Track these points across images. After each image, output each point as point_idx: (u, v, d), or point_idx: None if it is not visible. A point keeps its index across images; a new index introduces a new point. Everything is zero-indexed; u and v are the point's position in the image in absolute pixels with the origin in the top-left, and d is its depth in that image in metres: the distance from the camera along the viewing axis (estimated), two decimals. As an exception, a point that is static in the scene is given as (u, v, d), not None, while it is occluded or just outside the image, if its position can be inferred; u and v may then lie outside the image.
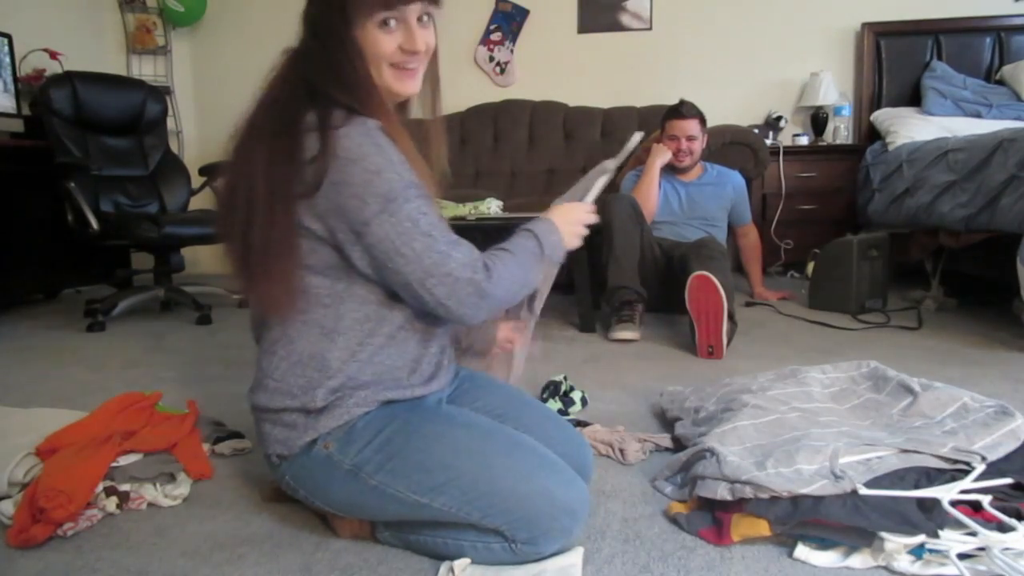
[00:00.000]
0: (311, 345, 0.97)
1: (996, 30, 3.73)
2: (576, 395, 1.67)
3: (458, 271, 0.92)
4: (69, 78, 3.07)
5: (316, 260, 0.95)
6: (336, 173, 0.89)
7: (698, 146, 2.82)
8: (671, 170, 2.87)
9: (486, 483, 0.93)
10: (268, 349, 1.01)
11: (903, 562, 0.94)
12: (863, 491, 0.98)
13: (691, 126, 2.79)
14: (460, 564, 0.95)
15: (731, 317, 2.20)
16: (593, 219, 1.17)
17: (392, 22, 0.94)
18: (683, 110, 2.80)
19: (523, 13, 4.27)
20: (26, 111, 3.39)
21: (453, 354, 1.16)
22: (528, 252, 1.03)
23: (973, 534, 0.94)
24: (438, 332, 1.06)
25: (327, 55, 0.94)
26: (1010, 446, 1.10)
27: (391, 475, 0.94)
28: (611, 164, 1.28)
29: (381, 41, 0.95)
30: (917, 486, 1.02)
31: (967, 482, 1.01)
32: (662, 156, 2.79)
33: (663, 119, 2.86)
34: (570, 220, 1.13)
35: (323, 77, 0.94)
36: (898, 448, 1.08)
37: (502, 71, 4.35)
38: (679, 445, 1.39)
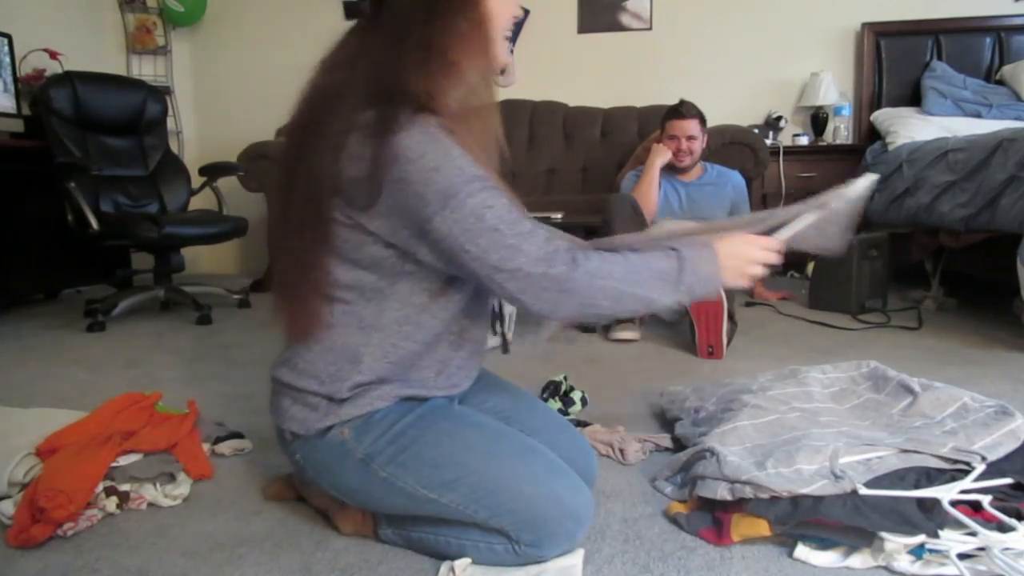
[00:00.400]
0: (347, 336, 0.96)
1: (996, 30, 3.73)
2: (576, 395, 1.67)
3: (528, 266, 0.87)
4: (69, 78, 3.07)
5: (364, 255, 0.93)
6: (396, 171, 0.86)
7: (698, 146, 2.82)
8: (671, 170, 2.87)
9: (495, 482, 0.93)
10: None
11: (903, 562, 0.94)
12: (863, 491, 0.98)
13: (691, 126, 2.79)
14: (461, 564, 0.95)
15: (731, 317, 2.20)
16: (777, 259, 1.01)
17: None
18: (683, 110, 2.80)
19: (525, 13, 4.27)
20: (26, 111, 3.39)
21: (481, 359, 1.14)
22: (653, 269, 0.93)
23: (973, 534, 0.94)
24: (471, 338, 1.05)
25: (441, 28, 0.88)
26: (1010, 446, 1.10)
27: (402, 468, 0.95)
28: (834, 202, 1.04)
29: (508, 8, 0.94)
30: (917, 486, 1.02)
31: (967, 482, 1.01)
32: (662, 156, 2.79)
33: (663, 119, 2.86)
34: (742, 255, 0.99)
35: (410, 63, 0.88)
36: (898, 448, 1.08)
37: (502, 71, 4.34)
38: (679, 445, 1.39)
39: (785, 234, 1.02)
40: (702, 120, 2.85)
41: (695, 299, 0.97)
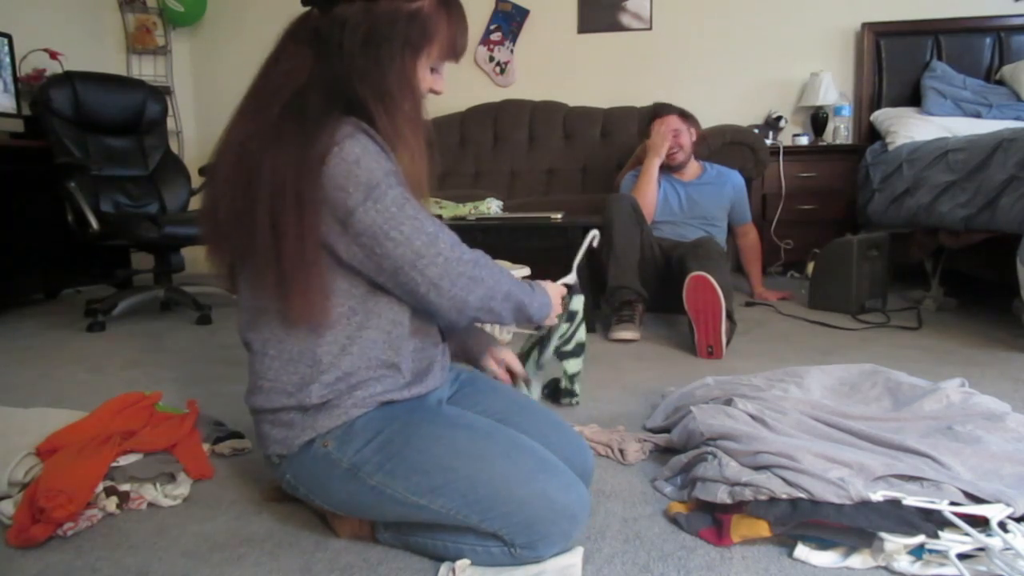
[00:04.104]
0: (300, 342, 0.97)
1: (996, 30, 3.73)
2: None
3: (448, 251, 0.94)
4: (69, 78, 3.07)
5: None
6: (324, 171, 0.89)
7: (685, 140, 2.83)
8: (670, 170, 2.88)
9: (484, 485, 0.93)
10: (259, 351, 1.00)
11: (903, 562, 0.94)
12: (867, 496, 0.98)
13: (672, 121, 2.81)
14: (460, 564, 0.95)
15: (730, 317, 2.20)
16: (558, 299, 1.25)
17: (439, 68, 1.04)
18: (659, 109, 2.84)
19: (523, 13, 4.27)
20: (26, 111, 3.39)
21: (449, 352, 1.17)
22: (515, 282, 1.06)
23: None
24: (432, 327, 1.07)
25: (380, 75, 0.96)
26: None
27: (390, 475, 0.94)
28: (571, 278, 1.39)
29: (425, 80, 1.02)
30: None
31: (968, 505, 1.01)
32: (658, 153, 2.79)
33: (646, 126, 2.89)
34: (555, 294, 1.22)
35: (368, 87, 0.95)
36: (923, 478, 1.05)
37: (502, 71, 4.35)
38: (678, 446, 1.39)
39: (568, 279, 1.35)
40: (684, 116, 2.86)
41: (530, 317, 1.11)
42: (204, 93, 4.51)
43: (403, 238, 0.92)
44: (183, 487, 1.23)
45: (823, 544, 0.98)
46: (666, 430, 1.43)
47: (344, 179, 0.89)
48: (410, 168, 1.00)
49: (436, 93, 1.05)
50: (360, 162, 0.90)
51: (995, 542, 0.91)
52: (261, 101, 0.97)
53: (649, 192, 2.76)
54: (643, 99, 3.96)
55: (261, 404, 1.00)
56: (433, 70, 1.03)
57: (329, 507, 1.02)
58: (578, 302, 1.49)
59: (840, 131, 3.90)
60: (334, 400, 0.97)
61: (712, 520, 1.05)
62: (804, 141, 3.90)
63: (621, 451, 1.35)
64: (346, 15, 0.95)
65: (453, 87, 4.66)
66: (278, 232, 0.89)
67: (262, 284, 0.95)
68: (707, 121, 3.55)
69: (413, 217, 0.93)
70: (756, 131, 3.58)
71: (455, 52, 1.03)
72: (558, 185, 3.90)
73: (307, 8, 1.01)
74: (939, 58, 3.78)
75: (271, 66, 1.00)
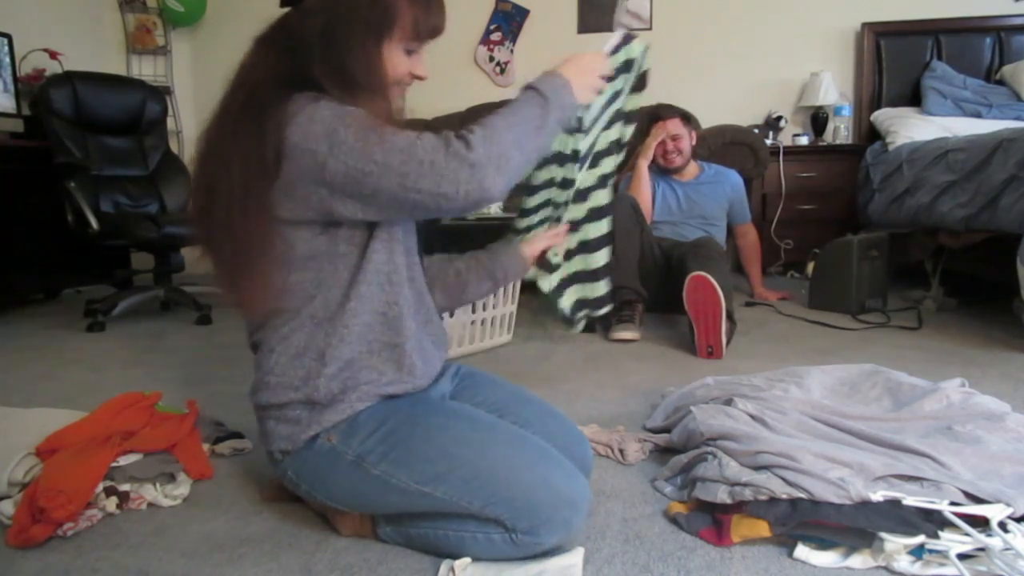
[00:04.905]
0: (306, 336, 0.98)
1: (996, 30, 3.73)
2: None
3: (431, 155, 0.87)
4: (69, 78, 3.07)
5: (297, 253, 0.96)
6: (286, 143, 0.89)
7: (685, 144, 2.82)
8: (668, 171, 2.88)
9: (488, 471, 0.94)
10: (266, 348, 1.01)
11: (903, 562, 0.94)
12: (867, 495, 0.98)
13: (673, 125, 2.81)
14: (461, 564, 0.95)
15: (730, 317, 2.20)
16: (606, 70, 1.09)
17: (415, 49, 1.00)
18: (661, 111, 2.83)
19: (523, 13, 4.27)
20: (26, 111, 3.39)
21: (446, 344, 1.17)
22: (523, 105, 0.96)
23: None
24: (426, 312, 1.08)
25: (338, 60, 0.94)
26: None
27: (394, 465, 0.95)
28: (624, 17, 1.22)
29: (400, 64, 0.99)
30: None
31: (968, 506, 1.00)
32: (645, 155, 2.80)
33: (647, 126, 2.88)
34: (586, 71, 1.05)
35: (326, 71, 0.94)
36: (923, 478, 1.05)
37: (502, 71, 4.35)
38: (678, 446, 1.39)
39: (607, 47, 1.15)
40: (684, 118, 2.85)
41: (560, 120, 1.00)
42: (204, 93, 4.51)
43: (378, 167, 0.87)
44: (183, 487, 1.23)
45: (823, 544, 0.98)
46: (666, 430, 1.43)
47: (304, 139, 0.88)
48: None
49: (419, 78, 1.02)
50: (313, 117, 0.89)
51: (995, 542, 0.91)
52: (223, 104, 0.99)
53: (642, 193, 2.76)
54: (643, 99, 3.95)
55: (268, 400, 1.01)
56: (410, 52, 1.00)
57: (332, 502, 1.03)
58: (636, 48, 1.20)
59: (840, 131, 3.90)
60: (339, 395, 0.98)
61: (712, 520, 1.05)
62: (804, 141, 3.90)
63: (621, 451, 1.36)
64: (309, 6, 0.96)
65: (453, 87, 4.67)
66: (231, 220, 0.92)
67: (224, 275, 0.97)
68: (707, 121, 3.55)
69: (380, 141, 0.88)
70: (756, 131, 3.59)
71: (426, 32, 0.99)
72: (558, 185, 3.89)
73: (283, 11, 1.01)
74: (939, 58, 3.78)
75: (237, 71, 1.02)
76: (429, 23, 0.99)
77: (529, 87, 0.99)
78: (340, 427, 0.98)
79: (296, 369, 0.99)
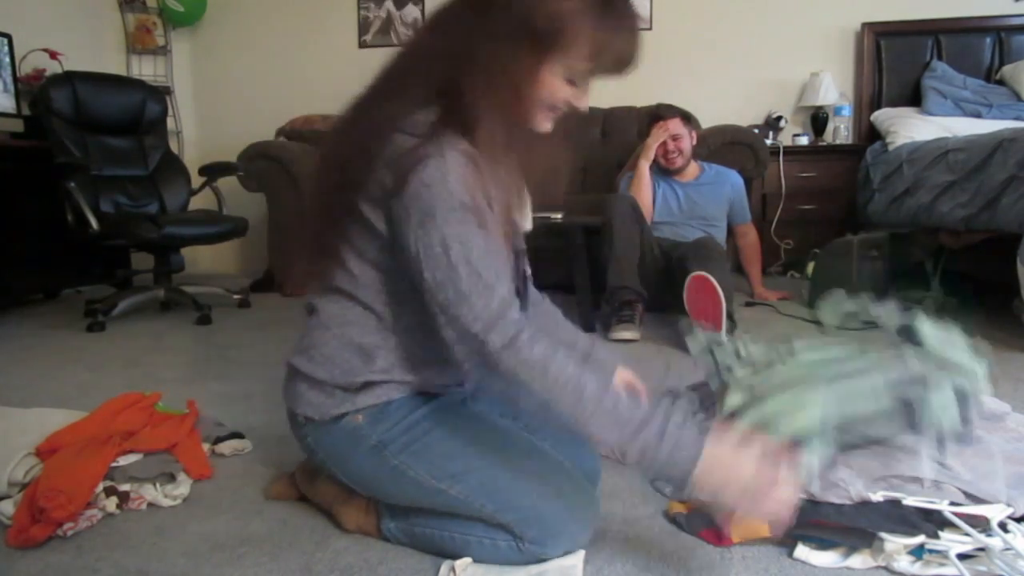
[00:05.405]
0: (366, 335, 0.97)
1: (996, 30, 3.73)
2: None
3: (467, 320, 0.82)
4: (69, 78, 3.07)
5: (373, 255, 0.95)
6: (397, 184, 0.86)
7: (686, 144, 2.82)
8: (668, 172, 2.88)
9: (505, 478, 0.94)
10: (324, 322, 0.99)
11: (903, 562, 0.94)
12: (866, 496, 0.98)
13: (674, 125, 2.80)
14: (461, 564, 0.95)
15: (730, 317, 2.20)
16: (789, 512, 0.79)
17: (584, 81, 0.92)
18: (662, 111, 2.82)
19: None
20: (26, 111, 3.39)
21: None
22: (611, 413, 0.80)
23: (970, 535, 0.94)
24: None
25: (492, 63, 0.86)
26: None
27: (414, 457, 0.96)
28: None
29: (560, 91, 0.90)
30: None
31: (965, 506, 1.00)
32: (647, 156, 2.80)
33: (647, 126, 2.88)
34: (736, 482, 0.78)
35: (474, 78, 0.87)
36: (923, 478, 1.03)
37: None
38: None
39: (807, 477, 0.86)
40: (685, 118, 2.85)
41: (641, 466, 0.81)
42: (204, 93, 4.51)
43: (433, 284, 0.84)
44: (183, 487, 1.23)
45: (823, 544, 0.98)
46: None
47: (408, 197, 0.85)
48: (499, 185, 0.90)
49: (576, 110, 0.93)
50: (432, 187, 0.84)
51: (995, 542, 0.91)
52: (377, 85, 0.96)
53: (643, 194, 2.76)
54: (643, 99, 3.95)
55: (307, 370, 1.00)
56: (572, 82, 0.90)
57: (344, 479, 1.03)
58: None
59: (840, 131, 3.90)
60: (376, 385, 0.97)
61: (712, 520, 1.05)
62: (804, 141, 3.90)
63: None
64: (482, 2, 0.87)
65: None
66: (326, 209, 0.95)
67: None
68: (707, 121, 3.55)
69: (452, 265, 0.82)
70: (756, 131, 3.58)
71: (608, 64, 0.90)
72: (558, 185, 3.89)
73: None
74: (939, 58, 3.78)
75: (407, 48, 0.98)
76: (612, 54, 0.90)
77: (663, 413, 0.80)
78: (370, 411, 0.97)
79: (344, 357, 0.97)
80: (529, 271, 1.08)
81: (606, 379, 0.82)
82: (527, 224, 1.06)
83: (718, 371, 1.12)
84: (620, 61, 0.91)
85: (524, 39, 0.85)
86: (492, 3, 0.86)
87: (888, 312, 1.18)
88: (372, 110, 0.94)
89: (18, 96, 3.33)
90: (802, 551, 0.98)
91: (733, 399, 1.06)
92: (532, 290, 1.18)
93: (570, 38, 0.86)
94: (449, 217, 0.83)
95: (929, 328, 1.10)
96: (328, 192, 0.97)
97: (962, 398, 1.03)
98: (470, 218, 0.84)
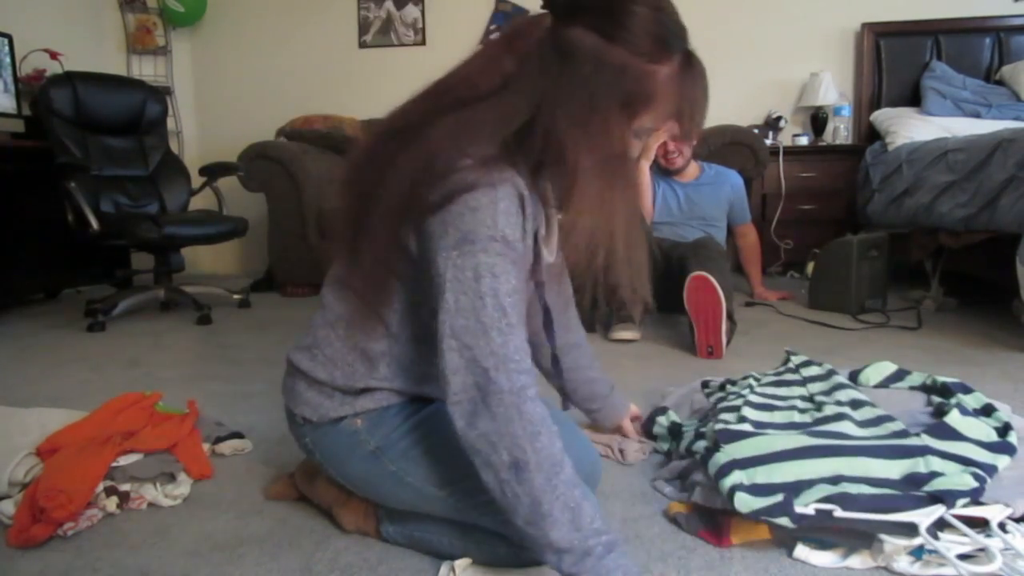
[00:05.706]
0: (373, 342, 0.95)
1: (996, 30, 3.74)
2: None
3: (483, 353, 0.79)
4: (69, 78, 3.07)
5: (404, 268, 0.92)
6: (442, 203, 0.82)
7: (686, 145, 2.82)
8: (668, 172, 2.88)
9: None
10: (331, 320, 0.98)
11: (903, 563, 0.94)
12: (839, 513, 0.95)
13: (674, 125, 2.79)
14: (461, 564, 0.95)
15: (730, 317, 2.20)
16: None
17: (649, 135, 0.91)
18: None
19: (523, 13, 4.27)
20: (26, 111, 3.39)
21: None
22: (573, 507, 0.78)
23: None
24: None
25: (582, 115, 0.82)
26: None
27: (412, 463, 0.95)
28: None
29: (633, 147, 0.91)
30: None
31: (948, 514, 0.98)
32: (647, 156, 2.79)
33: None
34: None
35: (559, 123, 0.82)
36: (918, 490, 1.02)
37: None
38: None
39: None
40: None
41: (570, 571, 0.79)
42: (204, 93, 4.51)
43: (455, 306, 0.80)
44: (183, 487, 1.24)
45: (823, 544, 0.98)
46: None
47: (454, 218, 0.81)
48: (535, 218, 0.88)
49: (640, 160, 0.93)
50: (479, 212, 0.80)
51: (995, 542, 0.91)
52: (423, 99, 0.90)
53: (643, 194, 2.76)
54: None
55: (306, 368, 0.99)
56: (642, 135, 0.90)
57: (341, 480, 1.03)
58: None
59: (840, 131, 3.90)
60: (376, 389, 0.97)
61: (712, 520, 1.05)
62: (804, 141, 3.90)
63: (621, 451, 1.36)
64: (576, 45, 0.82)
65: (453, 87, 4.62)
66: (370, 225, 0.90)
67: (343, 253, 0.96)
68: (707, 121, 3.54)
69: (480, 295, 0.79)
70: (756, 131, 3.59)
71: (684, 130, 0.89)
72: (558, 185, 3.89)
73: (539, 15, 0.88)
74: (939, 58, 3.78)
75: (464, 62, 0.91)
76: (689, 115, 0.90)
77: (601, 545, 0.78)
78: (369, 415, 0.97)
79: (347, 360, 0.96)
80: (550, 304, 1.04)
81: (577, 477, 0.81)
82: (552, 256, 1.04)
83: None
84: (688, 125, 0.91)
85: (617, 97, 0.84)
86: (575, 55, 0.82)
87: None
88: (440, 137, 0.85)
89: (18, 96, 3.33)
90: (802, 551, 0.98)
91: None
92: (573, 320, 1.26)
93: (655, 101, 0.86)
94: (488, 246, 0.80)
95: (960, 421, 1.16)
96: (365, 199, 0.91)
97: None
98: (509, 253, 0.82)
